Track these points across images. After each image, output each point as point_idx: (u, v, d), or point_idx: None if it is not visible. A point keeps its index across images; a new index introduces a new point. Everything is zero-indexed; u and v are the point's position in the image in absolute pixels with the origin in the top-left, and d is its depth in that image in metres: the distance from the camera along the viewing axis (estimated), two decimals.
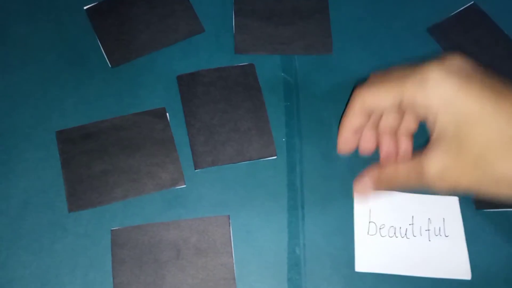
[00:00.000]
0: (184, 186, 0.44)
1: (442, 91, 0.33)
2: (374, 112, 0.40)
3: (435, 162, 0.34)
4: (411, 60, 0.47)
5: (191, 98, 0.47)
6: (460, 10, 0.53)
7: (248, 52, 0.49)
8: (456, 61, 0.34)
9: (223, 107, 0.47)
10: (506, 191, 0.32)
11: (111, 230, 0.42)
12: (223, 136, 0.46)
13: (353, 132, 0.41)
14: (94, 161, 0.44)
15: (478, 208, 0.45)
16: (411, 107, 0.35)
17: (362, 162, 0.46)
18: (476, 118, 0.32)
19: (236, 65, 0.48)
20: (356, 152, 0.46)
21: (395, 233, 0.44)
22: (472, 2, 0.54)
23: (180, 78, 0.48)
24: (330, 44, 0.51)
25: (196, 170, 0.45)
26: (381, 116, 0.41)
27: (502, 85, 0.33)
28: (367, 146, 0.43)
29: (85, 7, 0.50)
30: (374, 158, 0.44)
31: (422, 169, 0.34)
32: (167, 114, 0.46)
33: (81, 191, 0.43)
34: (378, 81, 0.38)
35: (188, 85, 0.47)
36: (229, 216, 0.43)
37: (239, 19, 0.51)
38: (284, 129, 0.47)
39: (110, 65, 0.48)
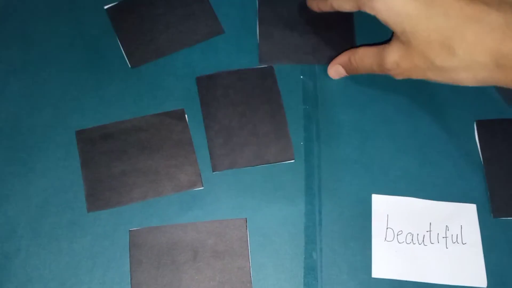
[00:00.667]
0: (202, 188, 0.44)
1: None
2: None
3: (392, 53, 0.40)
4: None
5: (210, 100, 0.47)
6: None
7: (272, 62, 0.49)
8: None
9: (242, 110, 0.47)
10: (449, 80, 0.39)
11: (129, 230, 0.42)
12: (241, 139, 0.46)
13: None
14: (113, 161, 0.44)
15: (495, 217, 0.44)
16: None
17: (380, 168, 0.46)
18: (416, 19, 0.36)
19: (255, 67, 0.48)
20: (373, 159, 0.46)
21: (412, 240, 0.43)
22: None
23: (199, 80, 0.48)
24: None
25: (214, 172, 0.45)
26: None
27: None
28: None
29: (105, 7, 0.50)
30: (391, 168, 0.44)
31: (382, 57, 0.41)
32: (186, 115, 0.46)
33: (100, 192, 0.43)
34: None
35: (207, 87, 0.47)
36: (246, 219, 0.43)
37: (263, 28, 0.50)
38: (303, 133, 0.47)
39: (130, 66, 0.48)
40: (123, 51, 0.49)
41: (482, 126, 0.48)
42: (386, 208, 0.44)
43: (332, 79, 0.49)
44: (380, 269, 0.42)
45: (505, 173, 0.46)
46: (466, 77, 0.37)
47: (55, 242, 0.42)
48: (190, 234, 0.43)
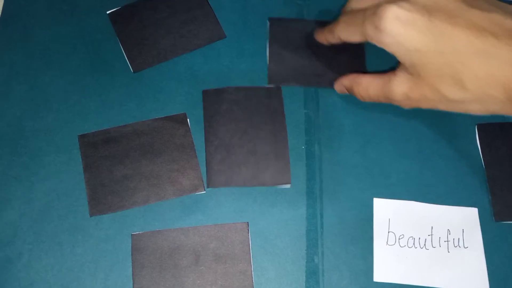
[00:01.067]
0: (204, 192, 0.44)
1: (394, 30, 0.36)
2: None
3: (400, 84, 0.39)
4: None
5: (214, 114, 0.47)
6: None
7: (281, 84, 0.48)
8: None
9: (244, 127, 0.46)
10: (461, 111, 0.38)
11: (132, 234, 0.43)
12: (240, 157, 0.45)
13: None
14: (116, 165, 0.44)
15: (497, 220, 0.44)
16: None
17: (381, 172, 0.46)
18: (425, 54, 0.36)
19: (263, 86, 0.48)
20: (375, 163, 0.46)
21: (414, 244, 0.43)
22: None
23: (205, 93, 0.47)
24: None
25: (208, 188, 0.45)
26: None
27: (447, 17, 0.36)
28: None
29: (107, 12, 0.51)
30: (393, 174, 0.44)
31: (390, 89, 0.40)
32: (188, 119, 0.46)
33: (103, 196, 0.44)
34: (345, 19, 0.42)
35: (213, 101, 0.47)
36: (248, 223, 0.43)
37: (273, 49, 0.50)
38: (304, 136, 0.47)
39: (132, 70, 0.48)
40: (125, 56, 0.49)
41: (483, 129, 0.48)
42: (387, 212, 0.44)
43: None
44: (381, 273, 0.42)
45: (506, 177, 0.46)
46: (478, 109, 0.37)
47: (57, 246, 0.42)
48: (192, 238, 0.43)
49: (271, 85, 0.48)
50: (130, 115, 0.47)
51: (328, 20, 0.50)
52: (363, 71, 0.48)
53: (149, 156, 0.45)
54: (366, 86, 0.43)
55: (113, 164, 0.45)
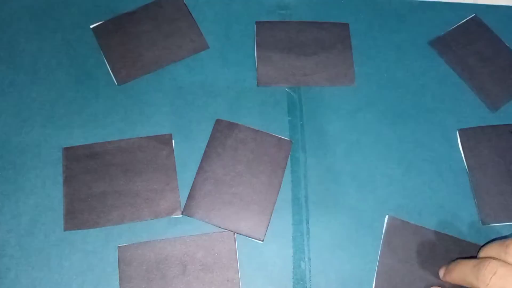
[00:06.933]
0: (181, 216, 0.44)
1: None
2: None
3: None
4: (415, 75, 0.48)
5: (217, 145, 0.46)
6: (462, 23, 0.54)
7: (270, 85, 0.49)
8: None
9: (241, 170, 0.46)
10: None
11: (118, 247, 0.43)
12: (225, 197, 0.45)
13: None
14: (96, 181, 0.45)
15: (484, 224, 0.45)
16: None
17: (366, 177, 0.46)
18: None
19: (274, 135, 0.47)
20: (359, 167, 0.46)
21: None
22: (474, 14, 0.54)
23: (218, 122, 0.47)
24: (352, 74, 0.50)
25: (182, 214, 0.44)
26: None
27: None
28: None
29: (91, 26, 0.51)
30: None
31: None
32: (173, 140, 0.47)
33: (79, 211, 0.44)
34: (458, 268, 0.40)
35: (222, 132, 0.47)
36: (234, 232, 0.44)
37: (261, 51, 0.51)
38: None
39: (116, 83, 0.49)
40: (109, 69, 0.49)
41: (465, 134, 0.48)
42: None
43: (316, 89, 0.49)
44: None
45: (491, 181, 0.46)
46: None
47: (44, 260, 0.42)
48: (178, 248, 0.43)
49: (261, 85, 0.49)
50: (116, 127, 0.47)
51: (313, 21, 0.52)
52: (351, 70, 0.50)
53: (130, 174, 0.45)
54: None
55: (93, 180, 0.45)
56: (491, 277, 0.35)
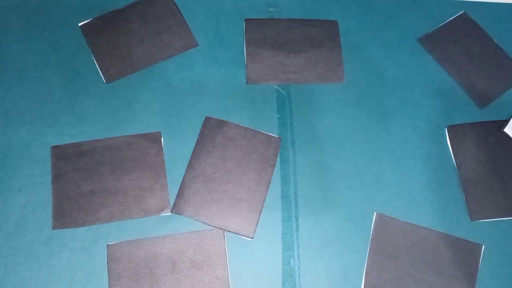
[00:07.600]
0: (170, 214, 0.44)
1: None
2: None
3: None
4: (403, 72, 0.48)
5: (207, 143, 0.46)
6: (450, 20, 0.54)
7: (259, 82, 0.49)
8: None
9: (230, 167, 0.45)
10: None
11: (107, 245, 0.43)
12: (214, 195, 0.45)
13: None
14: (84, 180, 0.44)
15: (472, 220, 0.45)
16: None
17: (355, 173, 0.46)
18: None
19: (263, 132, 0.47)
20: (348, 164, 0.46)
21: None
22: (462, 11, 0.54)
23: (207, 120, 0.47)
24: (341, 71, 0.50)
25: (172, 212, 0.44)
26: None
27: None
28: None
29: (79, 24, 0.51)
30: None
31: None
32: (162, 138, 0.47)
33: (68, 209, 0.43)
34: None
35: (211, 130, 0.47)
36: (223, 229, 0.44)
37: (250, 49, 0.51)
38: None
39: (105, 81, 0.48)
40: (97, 67, 0.49)
41: (453, 131, 0.48)
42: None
43: (305, 87, 0.49)
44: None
45: (479, 177, 0.47)
46: None
47: (33, 259, 0.42)
48: (168, 246, 0.43)
49: (250, 83, 0.49)
50: (104, 126, 0.47)
51: (302, 18, 0.52)
52: (340, 67, 0.50)
53: (119, 172, 0.45)
54: None
55: (82, 178, 0.44)
56: None
